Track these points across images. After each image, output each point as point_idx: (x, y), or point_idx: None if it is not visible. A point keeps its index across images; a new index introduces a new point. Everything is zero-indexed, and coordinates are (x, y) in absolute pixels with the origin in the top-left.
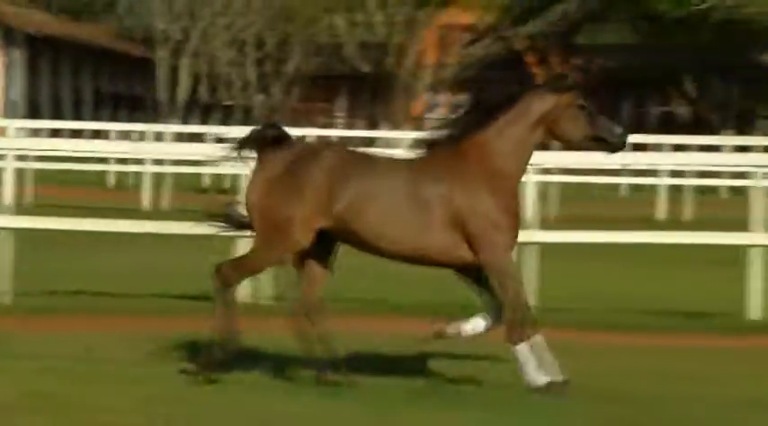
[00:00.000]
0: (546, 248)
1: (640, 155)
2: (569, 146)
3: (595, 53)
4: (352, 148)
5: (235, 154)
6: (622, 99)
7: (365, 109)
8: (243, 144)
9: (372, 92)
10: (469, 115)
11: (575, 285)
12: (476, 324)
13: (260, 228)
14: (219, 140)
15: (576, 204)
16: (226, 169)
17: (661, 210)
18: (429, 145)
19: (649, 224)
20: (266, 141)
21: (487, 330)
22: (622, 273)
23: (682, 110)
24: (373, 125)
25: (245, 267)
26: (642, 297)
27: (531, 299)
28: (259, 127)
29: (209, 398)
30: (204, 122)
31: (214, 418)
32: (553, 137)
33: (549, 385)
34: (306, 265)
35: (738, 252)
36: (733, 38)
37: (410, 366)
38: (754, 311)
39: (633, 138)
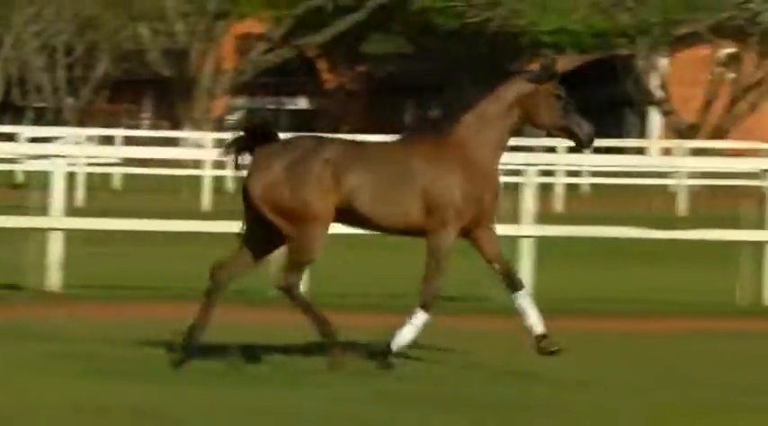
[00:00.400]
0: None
1: None
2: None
3: (380, 61)
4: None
5: (231, 154)
6: (405, 103)
7: (169, 111)
8: (236, 144)
9: (175, 95)
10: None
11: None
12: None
13: (289, 219)
14: (32, 140)
15: None
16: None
17: None
18: (415, 130)
19: None
20: (257, 139)
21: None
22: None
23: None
24: (176, 126)
25: (299, 264)
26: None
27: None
28: (248, 127)
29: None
30: (16, 123)
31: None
32: (527, 121)
33: (396, 354)
34: (247, 249)
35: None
36: (505, 48)
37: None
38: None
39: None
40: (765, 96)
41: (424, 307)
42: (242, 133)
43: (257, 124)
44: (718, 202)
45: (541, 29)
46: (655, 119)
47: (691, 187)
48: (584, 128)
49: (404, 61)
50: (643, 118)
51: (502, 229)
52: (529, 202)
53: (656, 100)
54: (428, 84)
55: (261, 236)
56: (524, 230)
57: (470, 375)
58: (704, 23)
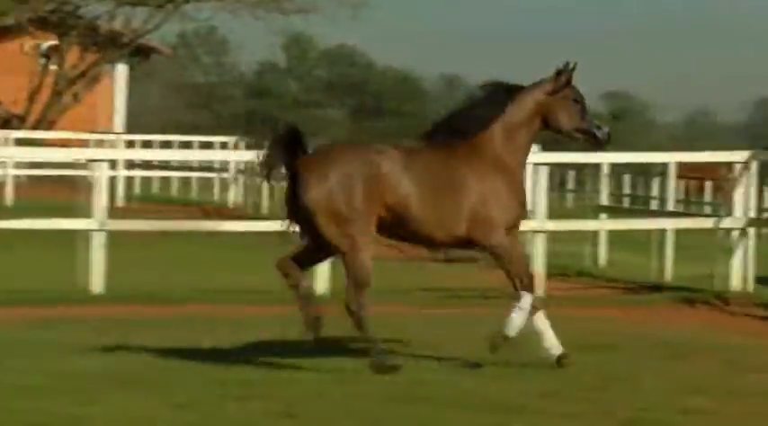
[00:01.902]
0: None
1: None
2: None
3: None
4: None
5: (268, 161)
6: None
7: None
8: (275, 150)
9: None
10: (478, 109)
11: None
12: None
13: (344, 232)
14: None
15: None
16: None
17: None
18: (436, 136)
19: None
20: (293, 145)
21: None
22: None
23: None
24: None
25: (360, 280)
26: None
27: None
28: (283, 132)
29: None
30: None
31: None
32: (547, 126)
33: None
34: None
35: None
36: None
37: None
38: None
39: None
40: (88, 87)
41: (527, 289)
42: (277, 142)
43: (291, 132)
44: (43, 192)
45: None
46: None
47: (19, 177)
48: (603, 127)
49: None
50: None
51: None
52: None
53: None
54: None
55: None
56: None
57: None
58: (27, 15)
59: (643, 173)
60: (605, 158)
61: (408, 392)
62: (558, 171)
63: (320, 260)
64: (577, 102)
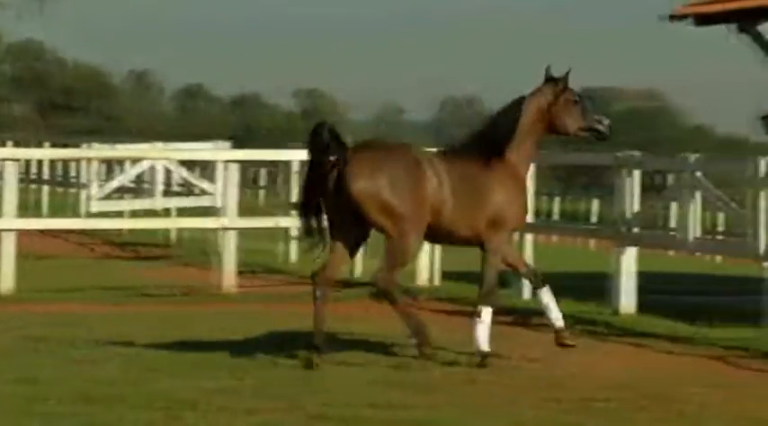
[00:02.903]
0: None
1: None
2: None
3: None
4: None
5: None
6: None
7: None
8: (327, 144)
9: None
10: (501, 121)
11: None
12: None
13: (397, 220)
14: None
15: None
16: None
17: None
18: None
19: None
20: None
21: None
22: None
23: None
24: None
25: (400, 262)
26: None
27: None
28: (324, 128)
29: None
30: None
31: None
32: (554, 131)
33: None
34: (338, 249)
35: None
36: None
37: None
38: None
39: None
40: None
41: (487, 303)
42: (321, 139)
43: (331, 130)
44: None
45: None
46: None
47: None
48: (603, 121)
49: None
50: None
51: None
52: None
53: None
54: None
55: (351, 236)
56: None
57: None
58: None
59: None
60: (295, 156)
61: (87, 391)
62: (251, 168)
63: (352, 255)
64: (577, 103)
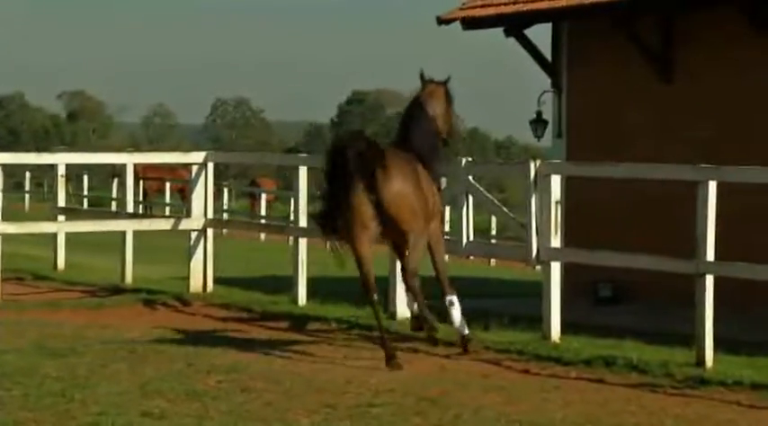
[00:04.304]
0: None
1: None
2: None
3: None
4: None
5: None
6: None
7: None
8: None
9: None
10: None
11: None
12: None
13: (418, 221)
14: None
15: None
16: None
17: None
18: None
19: None
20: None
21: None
22: None
23: None
24: None
25: (421, 259)
26: None
27: None
28: (355, 135)
29: None
30: None
31: None
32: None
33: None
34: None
35: None
36: None
37: None
38: None
39: None
40: None
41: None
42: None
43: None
44: None
45: None
46: None
47: None
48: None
49: None
50: None
51: None
52: None
53: None
54: None
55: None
56: None
57: None
58: None
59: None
60: (61, 159)
61: None
62: (17, 171)
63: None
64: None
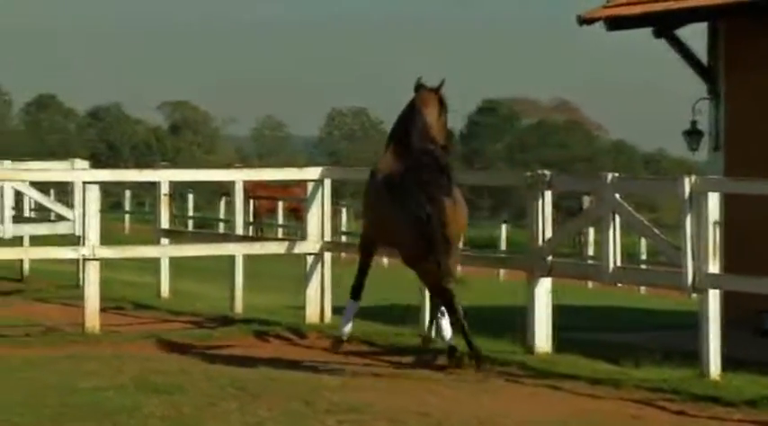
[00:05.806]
0: None
1: None
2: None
3: None
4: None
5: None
6: None
7: None
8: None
9: None
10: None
11: None
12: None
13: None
14: None
15: None
16: None
17: None
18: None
19: None
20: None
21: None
22: None
23: None
24: None
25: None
26: None
27: None
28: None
29: None
30: None
31: None
32: None
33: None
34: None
35: None
36: None
37: None
38: None
39: None
40: None
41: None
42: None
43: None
44: None
45: None
46: None
47: None
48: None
49: None
50: None
51: None
52: None
53: None
54: None
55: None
56: None
57: None
58: None
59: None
60: (164, 176)
61: None
62: (114, 190)
63: None
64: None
